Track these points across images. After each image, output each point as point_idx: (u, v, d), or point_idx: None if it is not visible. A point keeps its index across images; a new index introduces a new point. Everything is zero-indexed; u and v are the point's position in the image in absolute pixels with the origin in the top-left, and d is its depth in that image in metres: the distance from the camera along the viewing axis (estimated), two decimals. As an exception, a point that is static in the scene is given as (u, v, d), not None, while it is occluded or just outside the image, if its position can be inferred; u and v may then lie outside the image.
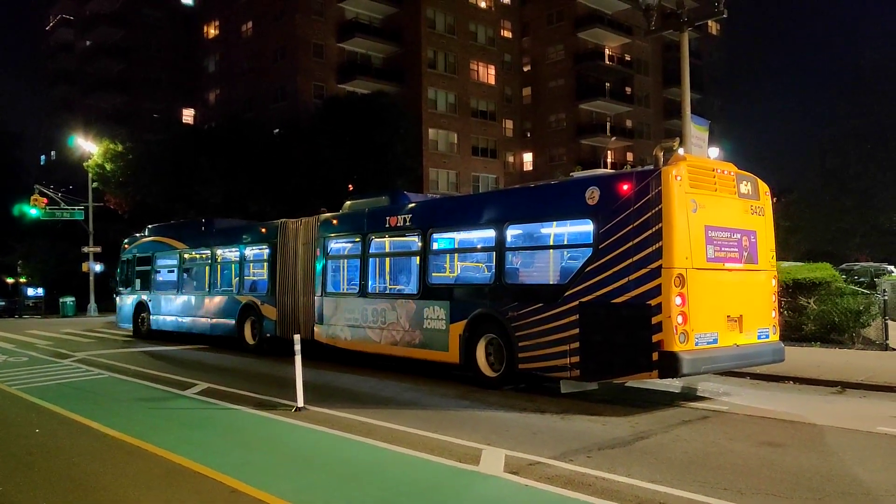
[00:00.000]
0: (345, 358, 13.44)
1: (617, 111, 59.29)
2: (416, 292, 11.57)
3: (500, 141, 53.21)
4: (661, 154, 8.42)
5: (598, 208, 8.69)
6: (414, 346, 11.44)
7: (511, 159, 58.07)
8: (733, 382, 10.58)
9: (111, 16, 59.61)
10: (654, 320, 7.97)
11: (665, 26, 14.78)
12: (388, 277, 13.04)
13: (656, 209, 8.07)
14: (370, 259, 12.76)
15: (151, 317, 19.51)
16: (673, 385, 10.25)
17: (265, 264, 15.81)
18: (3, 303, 39.52)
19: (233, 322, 16.29)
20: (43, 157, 69.35)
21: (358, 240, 12.93)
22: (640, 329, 8.07)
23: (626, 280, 8.25)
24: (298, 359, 8.84)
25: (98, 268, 35.91)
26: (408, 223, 11.87)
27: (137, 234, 21.53)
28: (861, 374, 10.44)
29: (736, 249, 8.83)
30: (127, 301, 20.90)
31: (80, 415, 8.42)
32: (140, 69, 57.81)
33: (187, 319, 18.12)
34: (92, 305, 34.62)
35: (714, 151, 18.60)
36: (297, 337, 9.09)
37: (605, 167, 53.05)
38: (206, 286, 17.69)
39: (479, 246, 11.42)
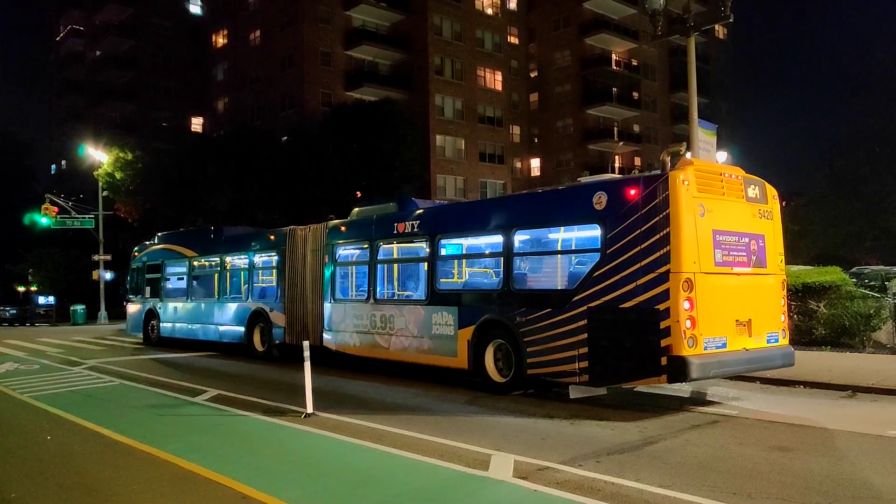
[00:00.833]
0: (354, 364, 13.47)
1: (624, 116, 59.28)
2: (424, 298, 11.59)
3: (508, 147, 53.24)
4: (668, 159, 8.43)
5: (605, 213, 8.70)
6: (422, 352, 11.46)
7: (518, 165, 58.12)
8: (743, 387, 10.53)
9: (120, 26, 60.19)
10: (663, 325, 7.95)
11: (671, 31, 14.77)
12: (396, 283, 13.04)
13: (664, 214, 8.07)
14: (378, 265, 12.78)
15: (161, 324, 19.59)
16: (682, 390, 10.21)
17: (274, 271, 15.85)
18: (14, 311, 39.84)
19: (242, 329, 16.33)
20: (53, 167, 69.99)
21: (366, 246, 12.99)
22: (648, 334, 8.06)
23: (634, 285, 8.25)
24: (307, 365, 8.87)
25: (108, 276, 36.16)
26: (416, 229, 11.90)
27: (147, 242, 21.66)
28: (872, 378, 10.37)
29: (744, 253, 8.80)
30: (137, 309, 21.00)
31: (92, 422, 8.48)
32: (149, 78, 58.32)
33: (197, 327, 18.18)
34: (102, 313, 34.85)
35: (722, 155, 18.57)
36: (306, 343, 9.13)
37: (613, 172, 52.98)
38: (216, 293, 17.76)
39: (486, 251, 11.43)
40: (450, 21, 48.57)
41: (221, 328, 17.22)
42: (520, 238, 10.30)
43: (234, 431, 8.10)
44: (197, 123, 57.45)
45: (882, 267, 31.64)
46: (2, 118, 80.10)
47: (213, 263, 18.19)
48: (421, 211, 12.24)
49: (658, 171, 8.45)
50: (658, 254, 8.07)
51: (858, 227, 45.82)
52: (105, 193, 36.38)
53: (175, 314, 19.17)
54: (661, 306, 7.98)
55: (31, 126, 77.39)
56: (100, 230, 35.51)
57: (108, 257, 35.39)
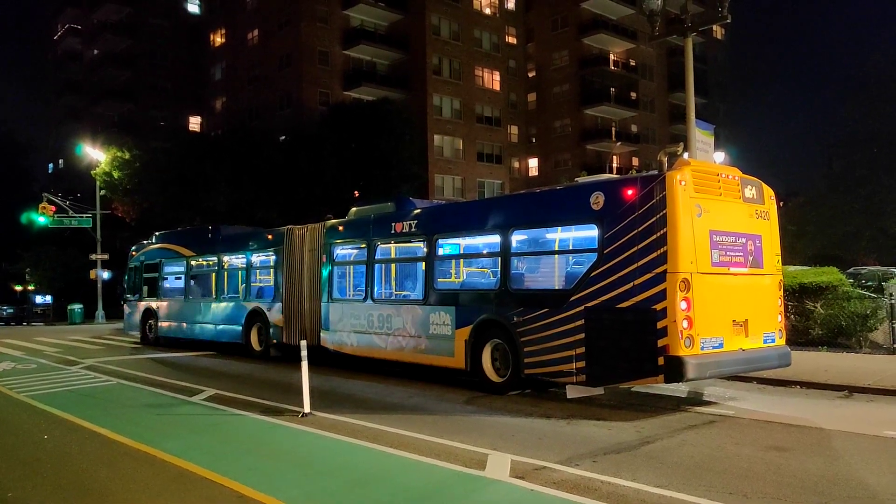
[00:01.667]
0: (351, 364, 13.48)
1: (622, 116, 59.35)
2: (421, 298, 11.60)
3: (506, 147, 53.26)
4: (665, 159, 8.44)
5: (602, 213, 8.71)
6: (420, 352, 11.47)
7: (516, 165, 58.14)
8: (740, 387, 10.55)
9: (118, 25, 60.12)
10: (660, 325, 7.96)
11: (669, 31, 14.80)
12: (393, 283, 13.03)
13: (661, 214, 8.08)
14: (376, 265, 12.78)
15: (159, 324, 19.58)
16: (679, 390, 10.24)
17: (271, 271, 15.82)
18: (11, 310, 39.80)
19: (239, 328, 16.32)
20: (51, 166, 69.87)
21: (364, 246, 12.99)
22: (645, 334, 8.07)
23: (631, 285, 8.26)
24: (305, 365, 8.88)
25: (106, 275, 36.12)
26: (413, 229, 11.91)
27: (145, 242, 21.62)
28: (868, 378, 10.40)
29: (741, 254, 8.82)
30: (134, 308, 20.98)
31: (89, 421, 8.48)
32: (147, 78, 58.25)
33: (194, 326, 18.18)
34: (100, 312, 34.80)
35: (719, 156, 18.62)
36: (303, 343, 9.14)
37: (611, 172, 53.03)
38: (213, 293, 17.78)
39: (484, 251, 11.44)
40: (448, 21, 48.58)
41: (219, 328, 17.21)
42: (517, 238, 10.30)
43: (231, 431, 8.10)
44: (195, 123, 57.41)
45: (879, 267, 31.72)
46: (0, 118, 79.85)
47: (210, 263, 18.18)
48: (418, 211, 12.25)
49: (655, 172, 8.46)
50: (655, 254, 8.08)
51: (855, 228, 45.92)
52: (103, 192, 36.34)
53: (173, 314, 19.14)
54: (658, 306, 7.99)
55: (29, 125, 77.33)
56: (97, 229, 35.47)
57: (106, 256, 35.35)
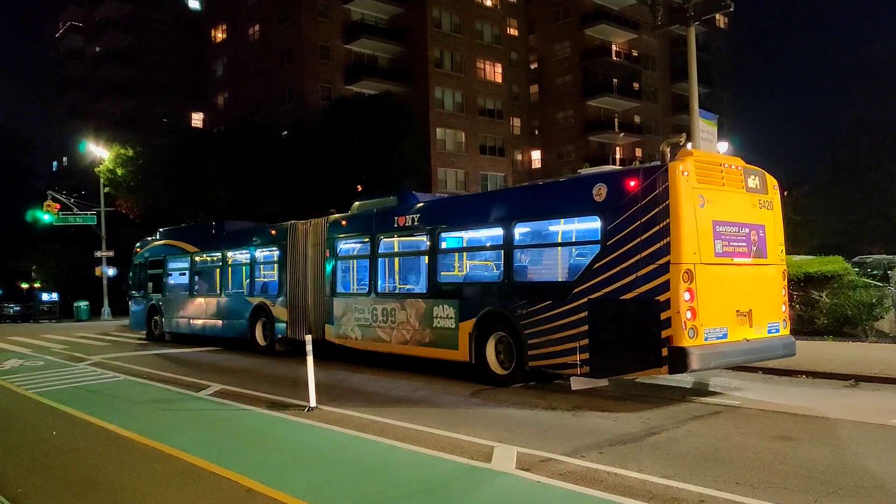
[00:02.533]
0: (356, 357, 13.51)
1: (625, 107, 59.12)
2: (425, 291, 11.64)
3: (508, 139, 53.16)
4: (667, 150, 8.41)
5: (605, 205, 8.70)
6: (424, 345, 11.49)
7: (519, 157, 58.03)
8: (745, 377, 10.54)
9: (119, 21, 60.06)
10: (663, 316, 7.95)
11: (672, 21, 14.72)
12: (397, 277, 13.07)
13: (664, 205, 8.05)
14: (379, 259, 12.83)
15: (164, 320, 19.66)
16: (684, 381, 10.24)
17: (275, 266, 15.82)
18: (17, 308, 39.97)
19: (244, 323, 16.40)
20: (55, 163, 69.99)
21: (367, 240, 13.00)
22: (649, 325, 8.06)
23: (634, 276, 8.25)
24: (310, 359, 8.90)
25: (111, 272, 36.25)
26: (416, 223, 11.93)
27: (149, 238, 21.68)
28: (874, 367, 10.38)
29: (744, 244, 8.78)
30: (140, 304, 21.08)
31: (97, 417, 8.53)
32: (149, 74, 58.23)
33: (199, 322, 18.25)
34: (105, 309, 34.95)
35: (723, 146, 18.54)
36: (308, 337, 9.14)
37: (614, 163, 52.84)
38: (218, 288, 17.83)
39: (487, 244, 11.46)
40: (449, 13, 48.41)
41: (224, 323, 17.28)
42: (520, 230, 10.30)
43: (238, 426, 8.14)
44: (197, 119, 57.41)
45: (884, 256, 31.60)
46: (3, 115, 79.97)
47: (214, 259, 18.26)
48: (421, 204, 12.24)
49: (658, 163, 8.44)
50: (658, 245, 8.05)
51: (860, 217, 45.77)
52: (107, 190, 36.41)
53: (178, 309, 19.22)
54: (662, 297, 7.97)
55: (33, 123, 77.44)
56: (102, 226, 35.57)
57: (111, 253, 35.47)
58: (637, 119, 60.86)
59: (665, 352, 7.93)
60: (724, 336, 8.34)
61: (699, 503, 5.01)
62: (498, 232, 10.49)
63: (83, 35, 65.99)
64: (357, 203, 14.24)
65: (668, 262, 7.97)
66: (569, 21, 57.29)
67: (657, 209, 8.10)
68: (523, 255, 10.49)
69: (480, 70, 50.47)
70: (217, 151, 35.19)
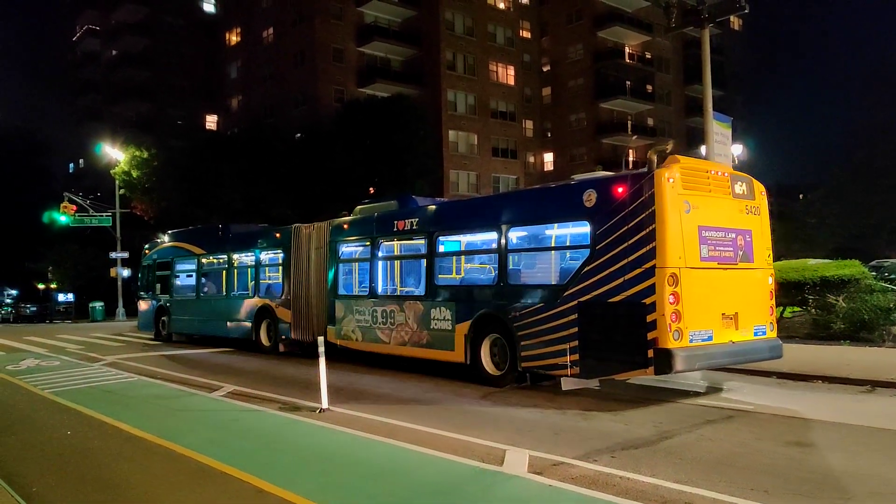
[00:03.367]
0: (362, 358, 13.54)
1: (638, 109, 58.90)
2: (423, 294, 11.84)
3: (521, 141, 53.08)
4: (654, 157, 8.53)
5: (594, 210, 8.91)
6: (422, 346, 11.70)
7: (531, 160, 57.95)
8: (759, 381, 10.44)
9: (135, 25, 60.70)
10: (649, 318, 8.12)
11: (686, 23, 14.61)
12: (396, 280, 13.28)
13: (650, 210, 8.24)
14: (380, 262, 13.05)
15: (172, 320, 19.92)
16: (697, 385, 10.16)
17: (280, 268, 16.01)
18: (34, 308, 40.46)
19: (249, 325, 16.61)
20: (71, 165, 70.78)
21: (368, 243, 13.24)
22: (635, 327, 8.24)
23: (621, 280, 8.45)
24: (322, 361, 8.92)
25: (126, 273, 36.58)
26: (415, 227, 12.19)
27: (157, 240, 22.02)
28: (892, 373, 10.24)
29: (731, 248, 8.95)
30: (148, 305, 21.34)
31: (111, 417, 8.60)
32: (164, 77, 58.80)
33: (206, 323, 18.52)
34: (120, 310, 35.26)
35: (737, 148, 18.38)
36: (320, 339, 9.17)
37: (627, 166, 52.63)
38: (224, 290, 18.13)
39: (482, 248, 11.65)
40: (461, 16, 48.45)
41: (229, 324, 17.49)
42: (514, 235, 10.53)
43: (249, 427, 8.17)
44: (211, 121, 57.87)
45: (902, 260, 31.19)
46: (21, 118, 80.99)
47: (220, 261, 18.53)
48: (419, 209, 12.50)
49: (645, 170, 8.55)
50: (644, 249, 8.25)
51: (877, 220, 45.20)
52: (122, 191, 36.75)
53: (184, 311, 19.48)
54: (648, 300, 8.15)
55: (50, 125, 78.31)
56: (117, 228, 35.91)
57: (126, 255, 35.78)
58: (650, 121, 60.59)
59: (651, 353, 8.10)
60: (710, 338, 8.51)
61: (712, 509, 4.96)
62: (493, 236, 10.72)
63: (99, 38, 66.74)
64: (359, 207, 14.38)
65: (654, 266, 8.15)
66: (582, 23, 57.17)
67: (643, 214, 8.30)
68: (517, 258, 10.69)
69: (493, 72, 50.46)
70: (230, 154, 35.42)
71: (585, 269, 8.92)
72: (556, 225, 9.99)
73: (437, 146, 43.62)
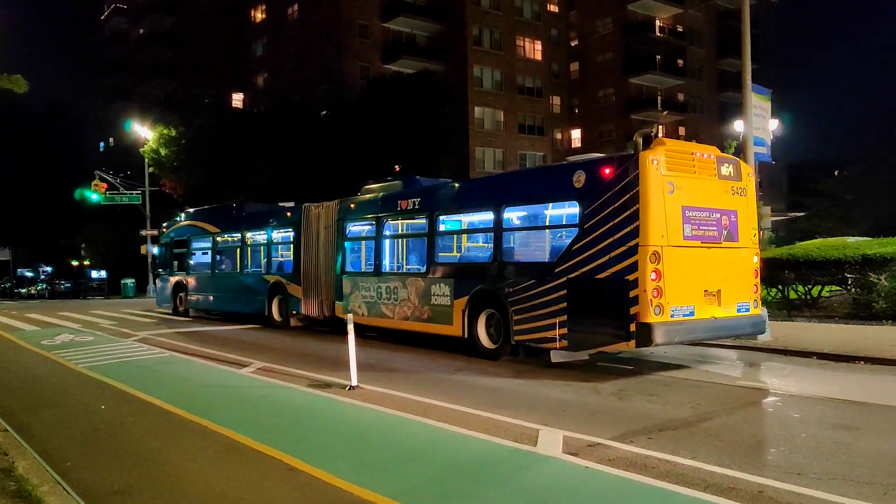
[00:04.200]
0: (384, 336, 13.52)
1: (668, 84, 57.60)
2: (424, 271, 12.33)
3: (548, 118, 52.35)
4: (640, 140, 8.87)
5: (583, 191, 9.30)
6: (423, 321, 12.22)
7: (559, 136, 57.16)
8: (799, 362, 10.15)
9: (162, 3, 60.84)
10: (632, 294, 8.53)
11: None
12: (399, 257, 13.86)
13: (634, 191, 8.61)
14: (384, 240, 13.58)
15: (188, 296, 20.60)
16: (735, 364, 9.90)
17: (291, 246, 16.60)
18: (68, 284, 41.35)
19: (262, 300, 17.28)
20: (102, 144, 71.76)
21: (373, 222, 13.72)
22: (619, 302, 8.65)
23: (607, 257, 8.85)
24: (352, 338, 8.86)
25: (156, 250, 37.06)
26: (417, 206, 12.66)
27: (176, 218, 22.72)
28: (939, 354, 9.86)
29: (715, 228, 9.29)
30: (166, 282, 22.06)
31: (144, 392, 8.65)
32: (190, 55, 59.00)
33: (221, 298, 19.29)
34: (151, 286, 35.79)
35: (773, 123, 17.75)
36: (349, 317, 9.13)
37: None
38: (238, 267, 18.85)
39: (480, 227, 12.14)
40: (488, -10, 47.59)
41: (243, 300, 18.18)
42: (508, 214, 11.02)
43: (280, 403, 8.15)
44: (237, 99, 58.01)
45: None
46: (53, 98, 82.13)
47: (235, 239, 19.18)
48: (421, 189, 13.09)
49: (631, 152, 8.92)
50: (628, 228, 8.63)
51: (917, 196, 43.76)
52: (151, 170, 37.14)
53: (201, 287, 20.20)
54: (631, 277, 8.56)
55: (82, 104, 79.33)
56: (147, 206, 36.35)
57: (155, 232, 36.17)
58: (681, 97, 59.24)
59: (633, 327, 8.51)
60: (691, 313, 8.88)
61: (758, 493, 4.77)
62: (489, 216, 11.17)
63: (127, 17, 67.15)
64: (365, 187, 14.91)
65: (637, 245, 8.53)
66: (611, -4, 55.81)
67: (628, 195, 8.67)
68: (511, 237, 11.17)
69: (520, 47, 49.65)
70: (256, 132, 35.46)
71: (574, 248, 9.32)
72: (547, 205, 10.40)
73: (463, 123, 43.20)
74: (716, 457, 5.58)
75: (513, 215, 11.10)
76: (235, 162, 34.62)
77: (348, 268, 14.41)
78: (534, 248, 10.99)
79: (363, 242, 14.35)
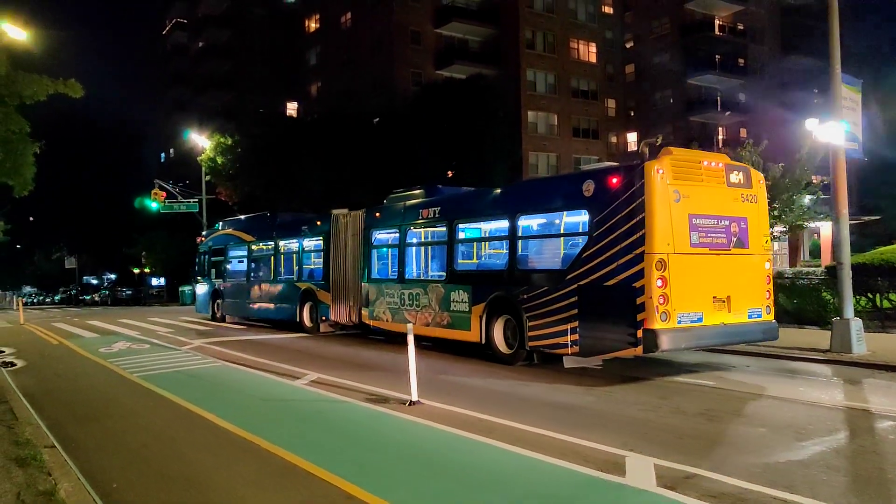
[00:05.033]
0: (450, 348, 12.94)
1: (729, 85, 55.41)
2: (444, 278, 12.59)
3: (602, 121, 51.08)
4: (646, 150, 9.07)
5: (592, 200, 9.51)
6: (443, 327, 12.44)
7: (614, 139, 55.73)
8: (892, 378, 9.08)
9: (219, 17, 62.44)
10: (639, 301, 8.65)
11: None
12: (421, 265, 14.04)
13: (640, 200, 8.75)
14: (407, 248, 13.88)
15: (224, 303, 21.26)
16: (831, 381, 8.92)
17: (321, 254, 16.92)
18: (129, 292, 42.46)
19: (294, 307, 17.65)
20: (163, 155, 73.96)
21: (397, 231, 14.04)
22: (626, 309, 8.78)
23: (615, 265, 9.00)
24: (412, 349, 8.28)
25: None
26: (437, 215, 12.98)
27: (214, 228, 23.41)
28: None
29: (723, 235, 9.33)
30: (204, 289, 22.79)
31: (196, 405, 8.29)
32: (246, 66, 60.21)
33: (255, 305, 19.80)
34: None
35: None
36: (409, 326, 8.56)
37: (717, 145, 49.73)
38: (271, 274, 19.22)
39: (496, 235, 12.40)
40: (541, -8, 46.81)
41: (276, 306, 18.66)
42: (522, 223, 11.24)
43: (336, 419, 7.66)
44: (291, 108, 58.73)
45: None
46: (118, 112, 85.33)
47: (268, 247, 19.70)
48: (442, 198, 13.48)
49: (638, 161, 9.02)
50: (635, 236, 8.76)
51: None
52: (208, 178, 37.73)
53: (236, 293, 20.78)
54: (638, 284, 8.68)
55: (144, 117, 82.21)
56: (203, 214, 36.91)
57: (212, 240, 36.76)
58: (742, 97, 56.91)
59: (640, 333, 8.61)
60: (699, 320, 8.93)
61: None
62: (504, 224, 11.44)
63: (187, 32, 69.12)
64: (390, 195, 15.14)
65: (643, 252, 8.65)
66: (668, -5, 54.19)
67: (635, 204, 8.81)
68: (525, 245, 11.31)
69: (574, 50, 48.62)
70: (310, 140, 35.59)
71: (584, 255, 9.49)
72: (559, 213, 10.60)
73: (516, 127, 42.45)
74: (842, 497, 4.76)
75: (526, 223, 11.32)
76: (290, 169, 34.82)
77: (374, 275, 14.70)
78: (546, 255, 11.10)
79: (388, 250, 14.68)
